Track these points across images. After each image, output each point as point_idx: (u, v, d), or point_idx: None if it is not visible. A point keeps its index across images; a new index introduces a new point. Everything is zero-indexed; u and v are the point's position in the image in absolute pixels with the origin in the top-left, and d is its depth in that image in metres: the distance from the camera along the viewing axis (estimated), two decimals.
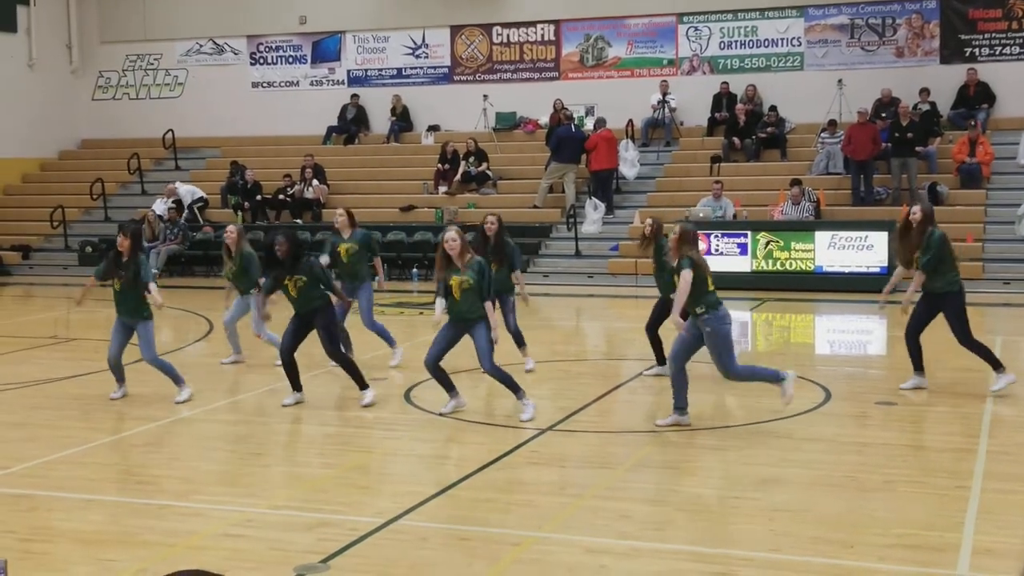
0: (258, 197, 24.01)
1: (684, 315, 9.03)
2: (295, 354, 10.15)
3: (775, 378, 9.21)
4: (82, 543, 6.53)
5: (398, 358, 12.18)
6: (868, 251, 18.58)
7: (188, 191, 24.47)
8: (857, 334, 16.04)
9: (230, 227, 12.36)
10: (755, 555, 6.21)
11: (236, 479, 8.11)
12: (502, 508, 7.23)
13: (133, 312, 10.31)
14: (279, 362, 10.75)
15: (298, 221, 23.53)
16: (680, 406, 9.23)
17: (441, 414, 9.71)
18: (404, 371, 11.86)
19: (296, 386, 10.27)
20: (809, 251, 18.93)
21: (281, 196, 23.86)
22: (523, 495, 7.46)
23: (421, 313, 12.95)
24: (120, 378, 10.64)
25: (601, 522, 6.82)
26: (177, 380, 10.56)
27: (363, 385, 10.19)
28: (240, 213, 23.78)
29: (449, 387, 9.79)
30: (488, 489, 7.60)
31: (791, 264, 19.01)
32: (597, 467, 8.28)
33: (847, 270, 18.72)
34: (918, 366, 10.53)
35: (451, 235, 9.39)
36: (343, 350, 10.72)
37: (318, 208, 23.75)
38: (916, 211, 10.27)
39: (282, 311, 10.55)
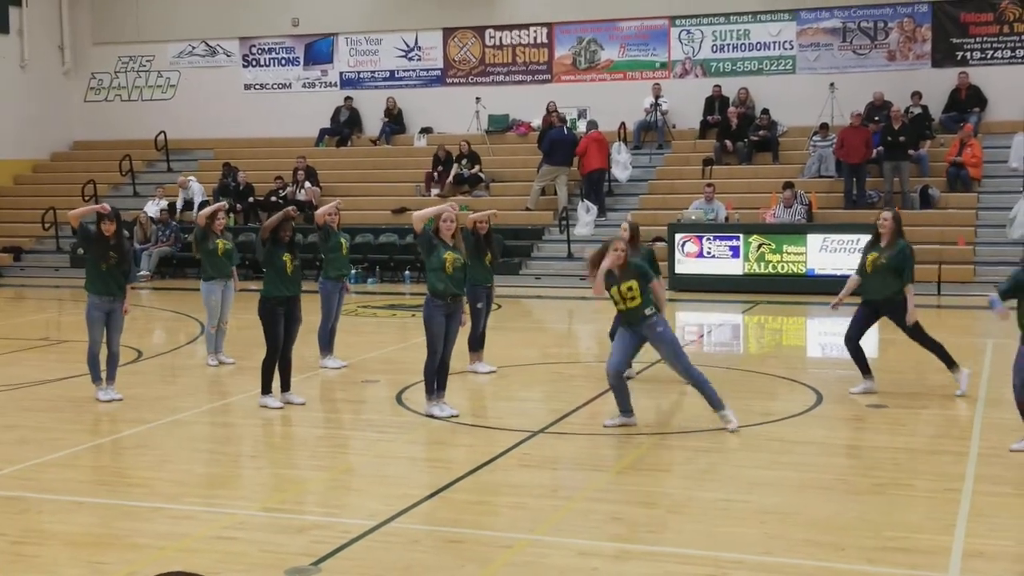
0: (250, 199, 23.99)
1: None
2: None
3: (718, 405, 9.17)
4: (73, 545, 6.52)
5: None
6: (860, 254, 18.57)
7: (200, 188, 24.46)
8: None
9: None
10: (746, 558, 6.22)
11: (227, 481, 8.10)
12: (494, 511, 7.23)
13: (118, 294, 10.52)
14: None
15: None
16: (625, 409, 9.26)
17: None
18: (396, 374, 11.85)
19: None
20: (801, 254, 18.95)
21: (273, 198, 23.82)
22: (515, 497, 7.46)
23: (413, 315, 12.94)
24: (98, 376, 10.59)
25: (593, 525, 6.82)
26: (96, 379, 10.55)
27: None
28: (232, 215, 23.73)
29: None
30: (480, 491, 7.60)
31: (783, 267, 19.04)
32: (589, 469, 8.28)
33: (839, 273, 18.64)
34: (865, 370, 10.62)
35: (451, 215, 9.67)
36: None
37: (310, 210, 23.69)
38: (887, 217, 10.46)
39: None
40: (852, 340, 10.62)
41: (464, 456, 8.56)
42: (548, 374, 12.15)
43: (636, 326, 9.11)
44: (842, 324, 16.78)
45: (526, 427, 9.33)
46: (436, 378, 9.68)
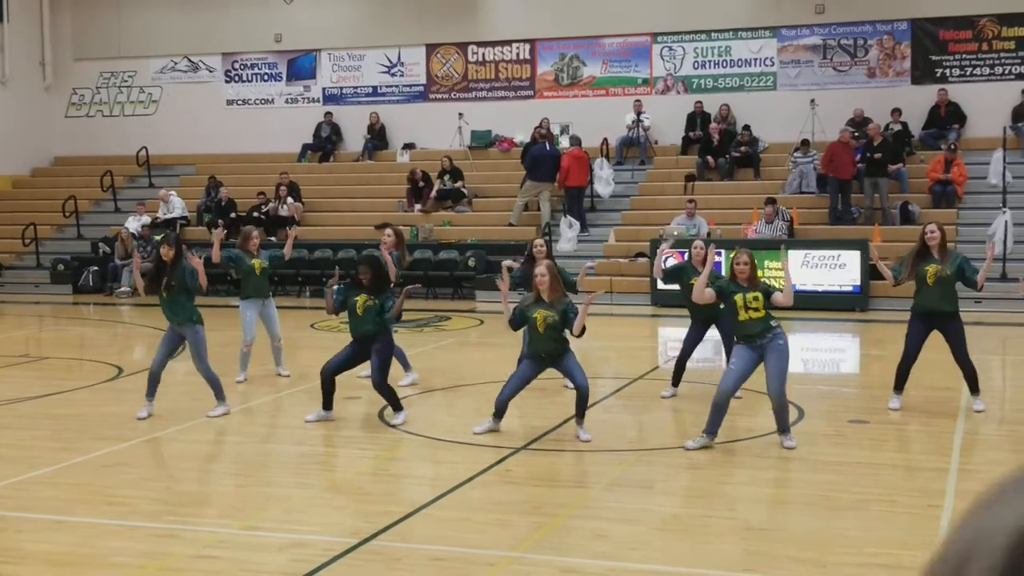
0: (232, 215, 23.93)
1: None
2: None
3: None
4: (52, 565, 6.47)
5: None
6: (841, 270, 18.69)
7: (181, 204, 24.40)
8: (830, 352, 16.13)
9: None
10: (729, 574, 6.22)
11: (208, 500, 8.06)
12: (477, 528, 7.21)
13: (183, 318, 10.42)
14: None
15: (272, 239, 23.44)
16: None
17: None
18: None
19: (327, 405, 10.25)
20: (782, 270, 18.97)
21: (256, 214, 23.78)
22: (497, 514, 7.45)
23: (396, 331, 12.95)
24: (152, 392, 10.52)
25: (576, 541, 6.81)
26: (219, 394, 10.62)
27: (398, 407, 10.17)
28: (214, 231, 23.70)
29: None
30: (462, 508, 7.58)
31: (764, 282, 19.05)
32: (572, 486, 8.28)
33: (820, 289, 18.81)
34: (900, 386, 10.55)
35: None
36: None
37: (293, 226, 23.69)
38: (934, 229, 10.20)
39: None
40: (912, 358, 10.33)
41: (447, 473, 8.54)
42: (530, 390, 12.09)
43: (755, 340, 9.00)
44: (822, 339, 16.93)
45: (509, 444, 9.32)
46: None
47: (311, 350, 13.17)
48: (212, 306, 15.88)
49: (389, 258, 11.52)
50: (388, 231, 12.12)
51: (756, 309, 9.03)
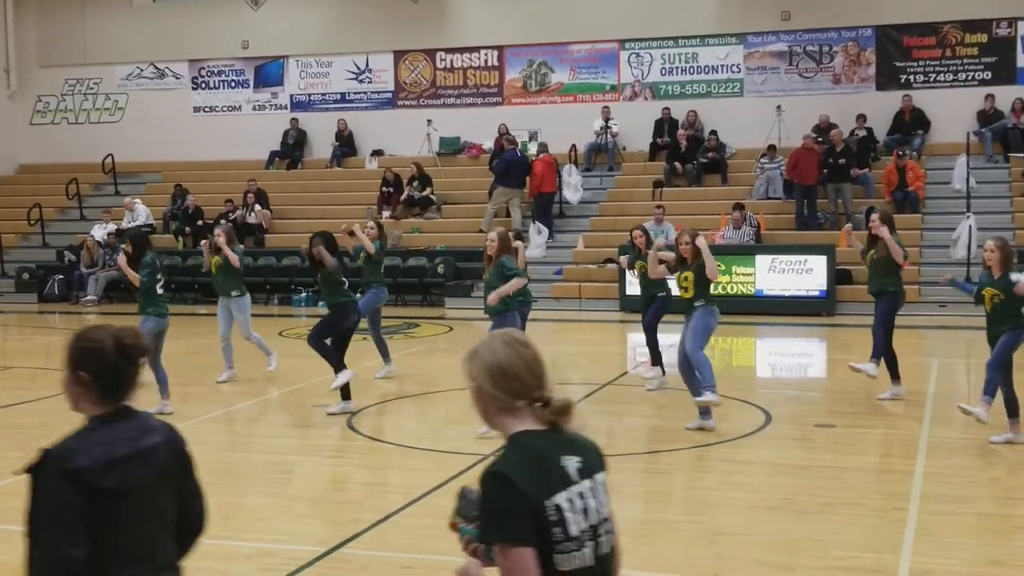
0: (200, 222, 23.81)
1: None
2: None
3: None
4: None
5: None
6: (808, 275, 18.81)
7: (146, 211, 24.25)
8: (797, 357, 16.22)
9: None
10: None
11: None
12: (446, 535, 7.14)
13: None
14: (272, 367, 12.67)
15: (241, 246, 23.30)
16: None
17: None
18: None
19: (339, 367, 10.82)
20: (750, 275, 19.12)
21: (223, 221, 23.65)
22: None
23: (365, 339, 12.93)
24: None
25: None
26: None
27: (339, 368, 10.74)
28: (181, 238, 23.58)
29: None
30: (432, 516, 7.55)
31: (732, 288, 19.18)
32: None
33: (787, 294, 18.93)
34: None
35: None
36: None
37: (261, 233, 23.61)
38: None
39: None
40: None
41: (416, 480, 8.53)
42: None
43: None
44: (789, 344, 17.02)
45: (478, 450, 9.31)
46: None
47: (279, 358, 13.08)
48: (178, 314, 15.81)
49: (368, 243, 12.30)
50: (370, 223, 12.77)
51: (686, 289, 9.95)
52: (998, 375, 9.18)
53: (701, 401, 9.72)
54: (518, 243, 10.85)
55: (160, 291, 11.05)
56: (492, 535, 2.81)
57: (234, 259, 12.52)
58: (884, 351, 10.93)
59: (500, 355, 2.91)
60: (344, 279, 10.79)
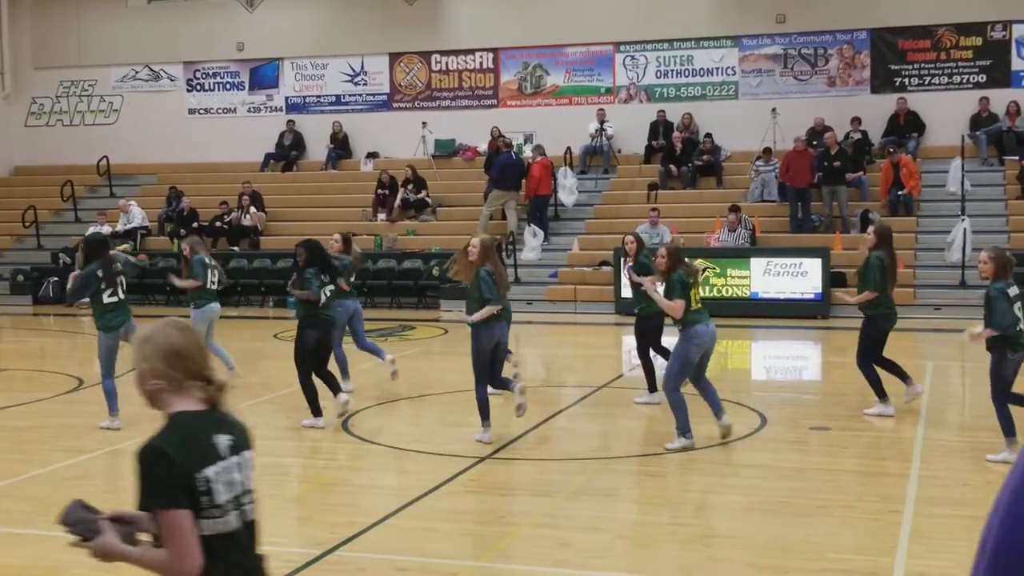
0: (195, 224, 23.78)
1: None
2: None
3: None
4: None
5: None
6: (803, 278, 18.83)
7: (140, 214, 24.21)
8: (792, 360, 16.24)
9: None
10: None
11: None
12: (441, 537, 7.20)
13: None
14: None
15: (235, 249, 23.34)
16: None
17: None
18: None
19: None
20: (745, 278, 19.14)
21: (218, 223, 23.66)
22: (462, 524, 7.44)
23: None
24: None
25: (540, 550, 6.82)
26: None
27: (316, 412, 10.38)
28: (176, 241, 23.55)
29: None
30: (426, 518, 7.57)
31: (727, 290, 19.20)
32: (536, 495, 8.28)
33: (782, 296, 18.95)
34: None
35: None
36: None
37: (256, 236, 23.60)
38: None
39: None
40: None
41: (411, 482, 8.53)
42: (494, 400, 12.11)
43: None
44: (784, 347, 17.03)
45: (473, 453, 9.31)
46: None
47: (274, 360, 13.10)
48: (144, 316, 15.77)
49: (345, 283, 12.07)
50: (335, 236, 12.71)
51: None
52: (1004, 409, 8.82)
53: (721, 425, 9.57)
54: None
55: (108, 299, 10.49)
56: (151, 503, 3.12)
57: (181, 283, 12.69)
58: (876, 382, 10.58)
59: (173, 339, 3.27)
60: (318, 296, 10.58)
